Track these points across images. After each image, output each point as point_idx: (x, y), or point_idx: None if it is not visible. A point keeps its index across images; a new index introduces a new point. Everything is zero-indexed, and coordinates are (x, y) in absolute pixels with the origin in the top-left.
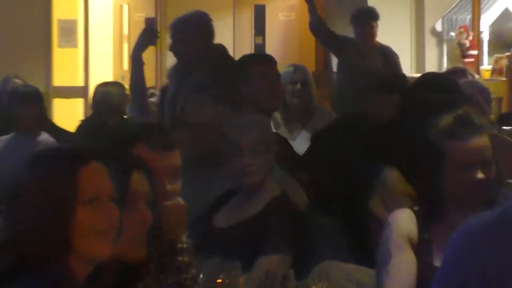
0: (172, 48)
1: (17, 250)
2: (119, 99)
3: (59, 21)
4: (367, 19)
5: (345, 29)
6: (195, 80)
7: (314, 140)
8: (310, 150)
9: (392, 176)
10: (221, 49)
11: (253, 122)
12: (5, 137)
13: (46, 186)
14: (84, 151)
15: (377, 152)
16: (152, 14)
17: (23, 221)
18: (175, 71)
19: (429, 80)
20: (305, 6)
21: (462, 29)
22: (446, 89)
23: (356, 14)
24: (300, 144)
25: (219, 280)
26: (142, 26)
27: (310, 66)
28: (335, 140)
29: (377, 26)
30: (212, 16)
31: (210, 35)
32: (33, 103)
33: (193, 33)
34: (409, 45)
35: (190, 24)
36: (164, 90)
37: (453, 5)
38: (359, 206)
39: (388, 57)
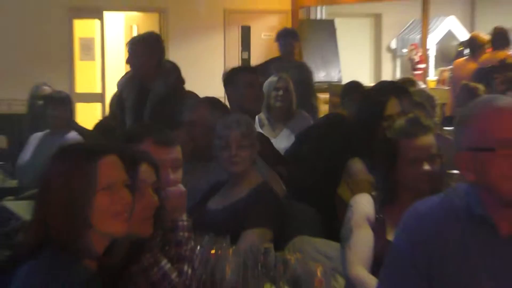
0: (130, 62)
1: (46, 228)
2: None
3: (80, 39)
4: (288, 38)
5: (316, 47)
6: (157, 91)
7: (300, 137)
8: (294, 146)
9: (355, 166)
10: (173, 63)
11: (240, 120)
12: (40, 134)
13: (71, 174)
14: (102, 146)
15: (349, 147)
16: (156, 31)
17: (52, 203)
18: (131, 84)
19: (384, 86)
20: (283, 27)
21: (412, 47)
22: (399, 95)
23: (280, 34)
24: (282, 140)
25: (213, 251)
26: None
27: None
28: (318, 137)
29: (298, 45)
30: (206, 35)
31: (162, 53)
32: (65, 107)
33: (149, 51)
34: (368, 59)
35: (146, 44)
36: (120, 99)
37: (406, 27)
38: (330, 192)
39: (303, 71)
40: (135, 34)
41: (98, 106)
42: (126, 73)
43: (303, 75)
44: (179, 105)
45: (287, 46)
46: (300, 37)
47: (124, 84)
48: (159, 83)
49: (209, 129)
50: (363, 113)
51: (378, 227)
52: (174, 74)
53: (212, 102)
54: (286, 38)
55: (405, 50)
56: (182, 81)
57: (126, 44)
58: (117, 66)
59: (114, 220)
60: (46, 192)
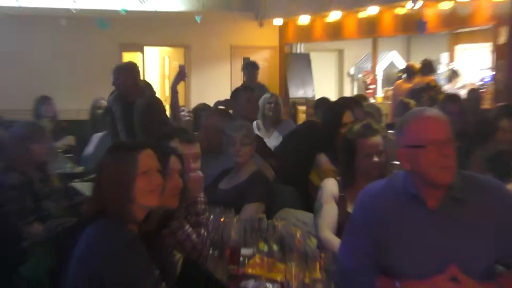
0: (115, 84)
1: (101, 202)
2: None
3: None
4: (250, 68)
5: (296, 72)
6: (143, 106)
7: (286, 138)
8: (281, 144)
9: (322, 160)
10: (146, 82)
11: (242, 125)
12: (99, 134)
13: (119, 163)
14: (141, 143)
15: (318, 145)
16: (182, 62)
17: (106, 184)
18: (116, 100)
19: (342, 101)
20: (273, 58)
21: (366, 73)
22: (354, 107)
23: (245, 65)
24: (273, 140)
25: (222, 220)
26: (176, 69)
27: (278, 92)
28: (298, 138)
29: (258, 72)
30: (217, 64)
31: (137, 76)
32: None
33: (126, 75)
34: (334, 81)
35: (125, 70)
36: (111, 112)
37: (361, 58)
38: (305, 177)
39: (262, 90)
40: (166, 62)
41: None
42: (112, 92)
43: (263, 92)
44: (159, 111)
45: (250, 73)
46: (285, 65)
47: (112, 100)
48: (139, 98)
49: (220, 132)
50: (327, 121)
51: (341, 202)
52: (148, 90)
53: (221, 112)
54: (249, 67)
55: (360, 75)
56: (154, 93)
57: (112, 72)
58: (154, 86)
59: (150, 196)
60: (102, 176)
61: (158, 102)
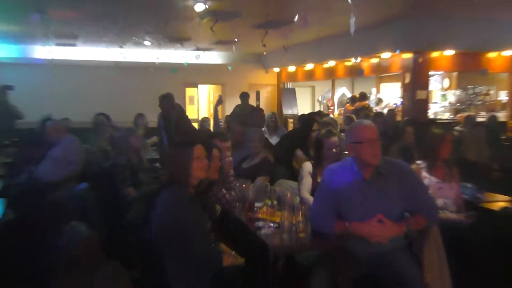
0: (160, 106)
1: (171, 176)
2: (207, 123)
3: (189, 96)
4: (245, 96)
5: (288, 99)
6: (175, 119)
7: (281, 139)
8: (278, 143)
9: (298, 153)
10: (178, 104)
11: (258, 130)
12: None
13: (181, 152)
14: (195, 140)
15: (297, 143)
16: (221, 93)
17: (174, 164)
18: (161, 117)
19: (311, 115)
20: (273, 91)
21: (328, 100)
22: (318, 119)
23: (241, 95)
24: (273, 140)
25: (244, 186)
26: (217, 98)
27: (276, 111)
28: (288, 139)
29: (249, 98)
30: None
31: (172, 101)
32: None
33: (166, 101)
34: (309, 104)
35: (165, 97)
36: (160, 124)
37: (325, 91)
38: (290, 163)
39: (255, 109)
40: (211, 94)
41: (195, 124)
42: (160, 113)
43: (254, 111)
44: (184, 123)
45: (244, 99)
46: (280, 95)
47: (159, 118)
48: (172, 115)
49: (242, 134)
50: (303, 128)
51: (314, 176)
52: (178, 109)
53: (242, 122)
54: (244, 96)
55: (324, 101)
56: (183, 111)
57: (158, 98)
58: (204, 108)
59: (200, 171)
60: (171, 159)
61: (185, 117)
